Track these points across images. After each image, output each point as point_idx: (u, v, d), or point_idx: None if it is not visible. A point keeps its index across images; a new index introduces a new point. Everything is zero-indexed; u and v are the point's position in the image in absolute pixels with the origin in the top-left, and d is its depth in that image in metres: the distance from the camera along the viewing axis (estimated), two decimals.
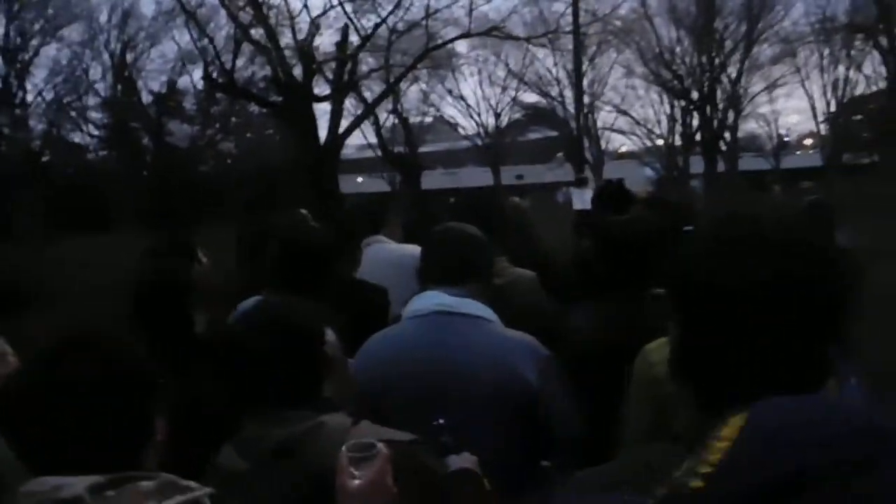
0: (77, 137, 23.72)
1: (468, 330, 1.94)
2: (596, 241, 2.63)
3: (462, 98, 26.34)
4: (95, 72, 23.18)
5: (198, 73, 22.52)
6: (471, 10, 22.15)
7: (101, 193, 20.98)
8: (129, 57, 22.98)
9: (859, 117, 26.74)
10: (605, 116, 26.34)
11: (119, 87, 23.03)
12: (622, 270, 2.39)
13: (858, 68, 25.77)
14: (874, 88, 26.06)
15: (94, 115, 23.44)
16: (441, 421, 1.62)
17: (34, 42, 22.69)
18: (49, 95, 22.87)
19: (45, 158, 22.56)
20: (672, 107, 25.59)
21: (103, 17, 22.75)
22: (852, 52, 25.49)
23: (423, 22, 22.74)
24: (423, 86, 24.59)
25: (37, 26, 22.65)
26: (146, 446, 1.26)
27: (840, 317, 0.87)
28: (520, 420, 1.90)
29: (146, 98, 23.18)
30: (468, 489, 1.57)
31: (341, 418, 1.49)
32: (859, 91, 26.14)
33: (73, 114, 23.14)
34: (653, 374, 1.85)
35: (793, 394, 0.86)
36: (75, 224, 18.37)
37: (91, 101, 23.32)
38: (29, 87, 22.88)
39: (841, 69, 25.88)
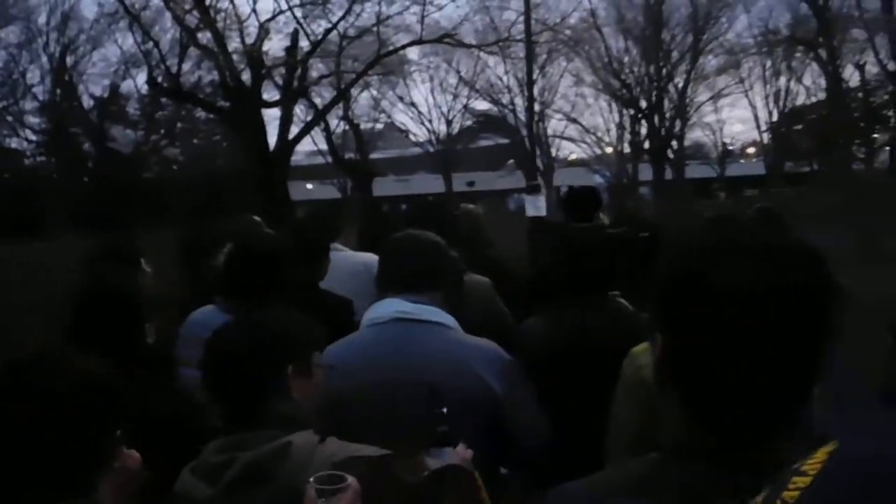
0: (14, 143, 23.02)
1: (428, 337, 1.92)
2: (558, 248, 2.65)
3: (413, 105, 26.45)
4: (33, 75, 22.45)
5: (142, 78, 22.01)
6: (422, 18, 22.16)
7: (38, 199, 20.33)
8: (70, 60, 22.32)
9: (799, 127, 27.66)
10: (555, 124, 26.75)
11: (58, 91, 22.34)
12: (585, 277, 2.39)
13: (799, 80, 26.71)
14: (814, 99, 27.02)
15: (32, 119, 22.70)
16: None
17: None
18: None
19: None
20: (621, 115, 26.11)
21: (42, 19, 22.06)
22: (793, 64, 26.35)
23: (375, 28, 22.67)
24: (375, 92, 24.55)
25: None
26: (100, 473, 1.19)
27: (830, 320, 0.86)
28: (483, 427, 1.88)
29: (87, 102, 22.55)
30: (456, 486, 1.52)
31: (308, 436, 1.42)
32: (800, 101, 27.07)
33: (9, 118, 22.37)
34: (640, 377, 1.84)
35: (783, 397, 0.84)
36: (11, 230, 17.78)
37: (29, 105, 22.57)
38: None
39: (782, 80, 26.77)
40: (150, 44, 21.44)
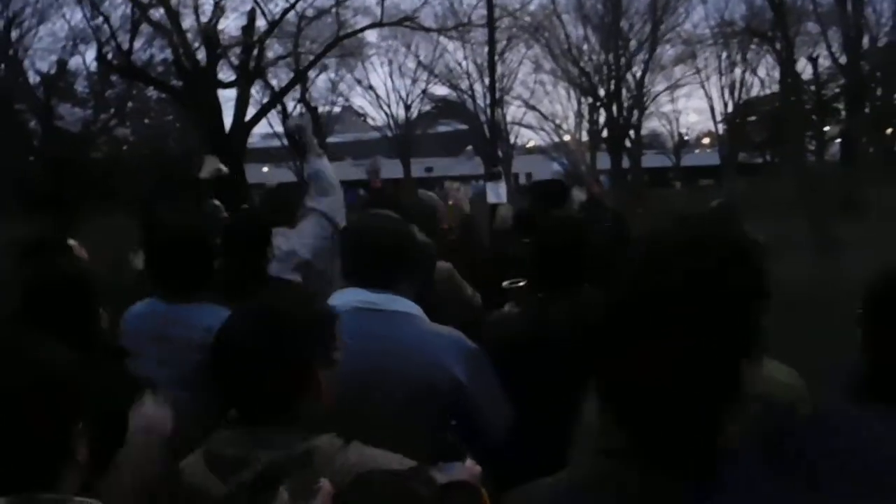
0: None
1: (390, 326, 1.89)
2: (534, 239, 2.64)
3: (372, 88, 26.26)
4: None
5: (91, 54, 21.38)
6: (382, 0, 22.03)
7: None
8: (14, 34, 21.55)
9: (753, 118, 28.22)
10: (514, 111, 26.85)
11: (2, 66, 21.60)
12: (555, 265, 2.40)
13: (754, 71, 27.22)
14: (768, 91, 27.57)
15: None
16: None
17: None
18: None
19: None
20: (579, 103, 26.31)
21: None
22: (748, 56, 26.85)
23: (333, 9, 22.44)
24: (332, 75, 24.32)
25: None
26: (65, 465, 1.17)
27: (758, 307, 0.87)
28: (447, 416, 1.87)
29: (34, 79, 21.85)
30: (464, 502, 1.47)
31: (331, 440, 1.37)
32: (754, 93, 27.60)
33: None
34: None
35: (704, 400, 0.85)
36: None
37: None
38: None
39: (738, 72, 27.24)
40: (101, 19, 20.83)
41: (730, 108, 27.65)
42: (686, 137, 31.21)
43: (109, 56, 21.21)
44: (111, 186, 19.94)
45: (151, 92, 22.68)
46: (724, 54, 26.77)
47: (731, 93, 27.32)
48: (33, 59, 21.98)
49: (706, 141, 32.27)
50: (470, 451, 1.84)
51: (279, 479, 1.27)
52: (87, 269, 2.17)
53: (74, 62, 22.31)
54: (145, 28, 21.55)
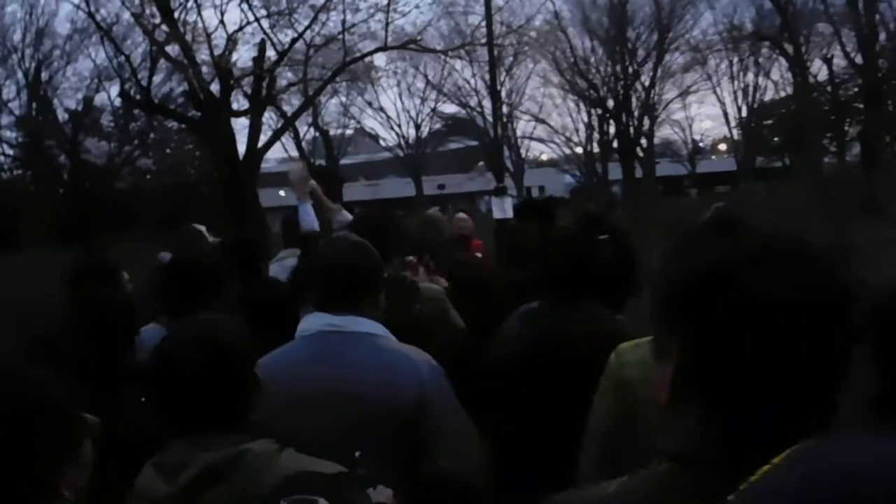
0: None
1: (356, 347, 1.94)
2: (520, 251, 2.88)
3: (382, 110, 27.20)
4: (9, 91, 23.36)
5: (115, 90, 22.90)
6: (387, 24, 22.89)
7: (16, 212, 21.18)
8: (45, 75, 23.22)
9: (769, 122, 28.27)
10: (523, 125, 27.44)
11: (34, 105, 23.28)
12: (553, 279, 2.44)
13: (767, 75, 27.35)
14: (782, 94, 27.64)
15: (9, 134, 23.68)
16: (358, 454, 1.60)
17: None
18: None
19: None
20: (589, 115, 26.80)
21: (17, 36, 23.00)
22: (760, 60, 27.01)
23: (340, 36, 23.37)
24: (343, 98, 25.35)
25: None
26: (60, 473, 1.21)
27: (853, 327, 0.88)
28: (408, 436, 1.89)
29: (62, 116, 23.48)
30: None
31: (267, 444, 1.46)
32: (768, 97, 27.72)
33: None
34: (623, 375, 1.87)
35: (806, 406, 0.84)
36: None
37: (5, 120, 23.53)
38: None
39: (750, 76, 27.42)
40: (122, 57, 22.35)
41: (744, 113, 27.80)
42: (701, 144, 31.36)
43: (131, 91, 22.69)
44: (135, 215, 21.20)
45: (171, 123, 24.09)
46: (735, 59, 27.02)
47: (745, 97, 27.50)
48: (61, 98, 23.63)
49: (722, 147, 32.30)
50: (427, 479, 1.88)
51: (214, 479, 1.39)
52: (129, 300, 2.37)
53: (99, 98, 23.85)
54: (164, 64, 22.90)
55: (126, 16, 21.77)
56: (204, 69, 22.05)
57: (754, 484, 0.71)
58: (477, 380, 2.35)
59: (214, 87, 21.77)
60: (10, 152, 23.95)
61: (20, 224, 21.26)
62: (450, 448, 1.89)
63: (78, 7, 22.02)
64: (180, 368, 1.49)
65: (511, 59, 25.33)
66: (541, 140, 27.73)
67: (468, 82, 26.07)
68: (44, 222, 21.19)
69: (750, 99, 27.44)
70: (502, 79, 25.35)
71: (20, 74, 23.19)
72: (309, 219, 3.56)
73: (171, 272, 2.58)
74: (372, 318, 2.01)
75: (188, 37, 21.67)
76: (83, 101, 23.38)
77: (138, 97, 22.42)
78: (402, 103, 27.26)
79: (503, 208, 14.78)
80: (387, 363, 1.93)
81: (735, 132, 28.53)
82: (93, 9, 21.76)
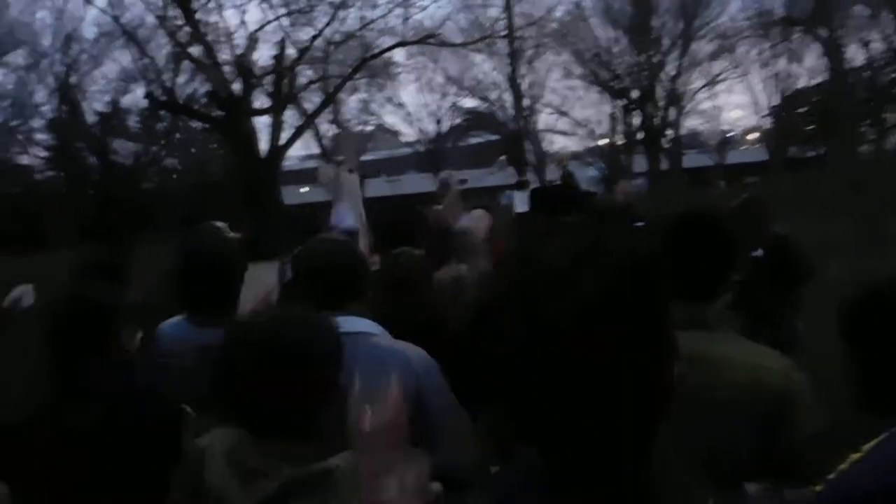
0: (25, 159, 25.00)
1: (353, 347, 1.92)
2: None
3: (402, 105, 27.35)
4: (40, 95, 24.27)
5: (140, 92, 23.59)
6: (405, 19, 23.06)
7: (47, 213, 21.97)
8: (73, 79, 24.02)
9: (803, 110, 27.58)
10: (545, 118, 27.30)
11: (64, 108, 24.08)
12: None
13: (799, 61, 26.68)
14: (816, 81, 26.92)
15: (40, 136, 24.61)
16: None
17: None
18: None
19: None
20: (613, 106, 26.54)
21: (47, 42, 23.83)
22: (792, 46, 26.36)
23: (359, 32, 23.60)
24: (363, 95, 25.57)
25: None
26: None
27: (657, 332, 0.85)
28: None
29: (90, 118, 24.24)
30: None
31: (350, 458, 1.38)
32: (801, 84, 27.03)
33: (19, 137, 24.29)
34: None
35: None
36: (23, 243, 19.27)
37: (37, 123, 24.45)
38: None
39: (781, 63, 26.78)
40: (147, 60, 23.01)
41: (775, 101, 27.20)
42: (730, 134, 30.75)
43: (156, 93, 23.31)
44: (160, 214, 21.77)
45: (195, 123, 24.67)
46: (766, 45, 26.41)
47: (776, 85, 26.89)
48: (90, 101, 24.41)
49: (753, 136, 31.64)
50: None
51: (301, 496, 1.32)
52: (109, 295, 2.28)
53: (126, 100, 24.57)
54: (187, 65, 23.46)
55: (150, 19, 22.38)
56: (226, 69, 22.60)
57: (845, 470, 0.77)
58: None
59: (236, 87, 22.26)
60: (43, 154, 24.86)
61: (51, 224, 22.01)
62: (445, 444, 1.89)
63: (103, 11, 22.71)
64: (251, 372, 1.41)
65: (532, 51, 25.26)
66: (563, 133, 27.62)
67: (488, 76, 26.09)
68: (73, 222, 21.89)
69: (781, 86, 26.84)
70: (523, 71, 25.29)
71: (50, 79, 24.03)
72: (345, 218, 3.61)
73: (181, 268, 2.57)
74: (361, 315, 2.05)
75: (210, 37, 22.21)
76: (110, 103, 24.10)
77: (163, 98, 23.07)
78: (422, 98, 27.40)
79: (524, 202, 14.82)
80: (382, 360, 1.94)
81: (766, 121, 27.94)
82: (117, 12, 22.42)
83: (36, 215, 21.90)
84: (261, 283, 3.42)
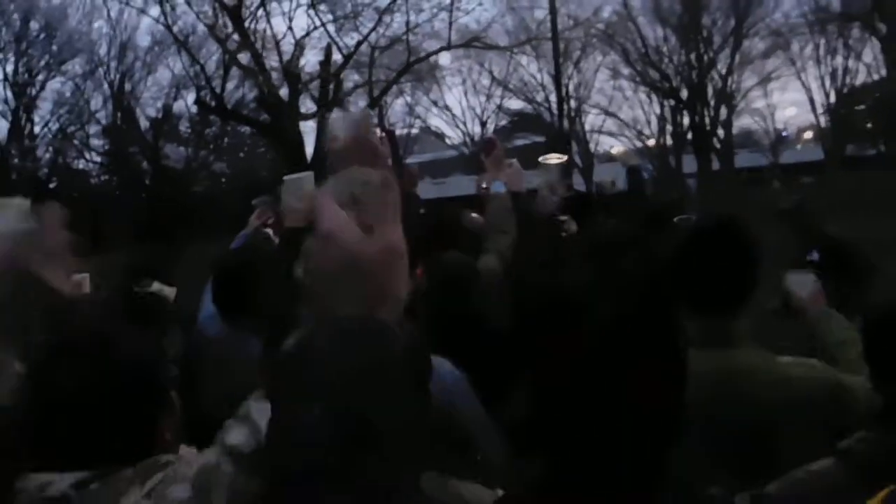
0: (81, 164, 25.93)
1: None
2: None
3: (447, 108, 27.41)
4: (96, 102, 25.14)
5: (191, 98, 24.18)
6: (450, 23, 23.13)
7: (103, 216, 22.69)
8: (128, 86, 24.78)
9: (861, 107, 26.71)
10: (592, 119, 27.04)
11: (118, 114, 24.84)
12: None
13: (858, 57, 25.86)
14: (876, 77, 26.06)
15: (96, 142, 25.47)
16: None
17: (40, 77, 24.74)
18: (54, 126, 24.94)
19: (52, 185, 24.50)
20: (661, 106, 26.15)
21: (103, 50, 24.65)
22: (849, 41, 25.59)
23: (404, 37, 23.77)
24: (408, 98, 25.73)
25: (42, 62, 24.68)
26: (152, 436, 1.32)
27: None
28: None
29: (144, 124, 24.95)
30: None
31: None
32: (860, 80, 26.19)
33: (76, 142, 25.19)
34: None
35: None
36: (82, 246, 19.98)
37: (93, 129, 25.29)
38: (36, 119, 24.95)
39: (839, 59, 26.02)
40: (197, 67, 23.60)
41: (832, 99, 26.39)
42: (784, 133, 29.90)
43: (207, 98, 23.87)
44: (210, 217, 22.26)
45: (244, 128, 25.18)
46: (821, 41, 25.70)
47: (833, 82, 26.11)
48: (143, 107, 25.14)
49: (808, 135, 30.74)
50: None
51: None
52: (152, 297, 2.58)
53: (177, 106, 25.25)
54: (236, 71, 23.98)
55: (200, 27, 22.95)
56: (273, 75, 23.04)
57: None
58: None
59: (283, 92, 22.69)
60: (98, 160, 25.68)
61: (107, 228, 22.73)
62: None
63: (156, 20, 23.36)
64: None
65: (578, 52, 25.07)
66: (610, 134, 27.32)
67: (534, 77, 25.98)
68: (127, 225, 22.53)
69: (839, 83, 26.04)
70: (570, 72, 25.10)
71: (106, 86, 24.82)
72: None
73: (217, 271, 2.71)
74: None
75: (258, 44, 22.69)
76: (162, 109, 24.75)
77: (213, 104, 23.63)
78: (467, 101, 27.45)
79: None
80: None
81: (822, 119, 27.12)
82: (170, 21, 23.04)
83: (92, 218, 22.61)
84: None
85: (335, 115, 1.26)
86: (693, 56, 25.03)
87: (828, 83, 26.22)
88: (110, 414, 1.27)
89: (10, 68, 24.41)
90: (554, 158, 5.33)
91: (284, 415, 0.73)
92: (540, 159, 5.40)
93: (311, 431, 0.67)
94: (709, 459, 1.04)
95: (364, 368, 0.70)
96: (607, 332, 0.81)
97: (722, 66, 25.36)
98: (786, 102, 29.99)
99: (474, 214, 5.07)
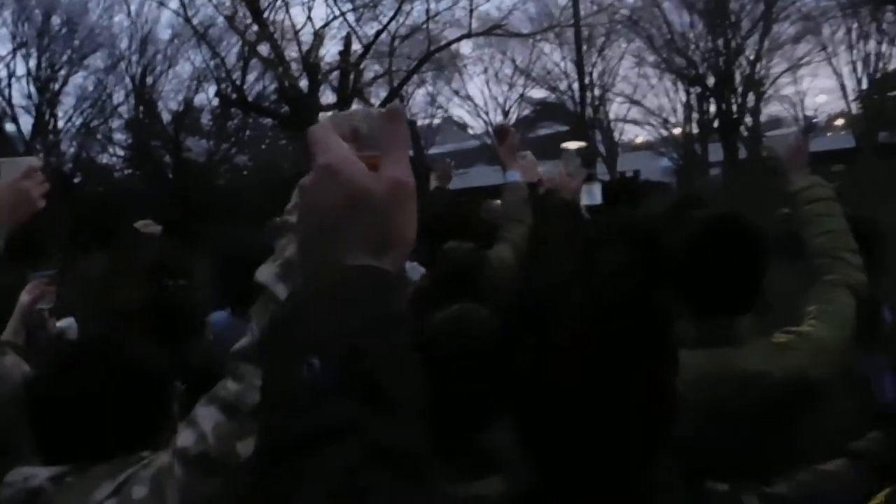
0: (104, 158, 26.10)
1: None
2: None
3: (469, 98, 27.16)
4: (118, 96, 25.32)
5: (212, 91, 24.26)
6: (471, 11, 22.89)
7: (126, 209, 22.83)
8: (149, 80, 24.88)
9: (895, 93, 26.03)
10: (616, 108, 26.63)
11: (140, 108, 24.96)
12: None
13: (891, 41, 25.16)
14: None
15: (119, 136, 25.64)
16: None
17: (63, 72, 24.95)
18: (78, 121, 25.14)
19: (76, 180, 24.69)
20: (687, 94, 25.67)
21: (124, 45, 24.79)
22: (884, 25, 24.89)
23: (424, 25, 23.55)
24: (430, 88, 25.53)
25: (65, 57, 24.87)
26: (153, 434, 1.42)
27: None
28: None
29: (165, 117, 25.05)
30: None
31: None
32: (894, 66, 25.45)
33: (99, 136, 25.36)
34: None
35: None
36: (105, 239, 20.14)
37: (115, 123, 25.45)
38: (59, 114, 25.19)
39: (872, 43, 25.32)
40: (218, 59, 23.65)
41: (864, 85, 25.73)
42: (814, 120, 29.23)
43: (227, 91, 23.89)
44: (233, 210, 22.30)
45: (265, 120, 25.17)
46: (854, 26, 25.02)
47: (865, 67, 25.44)
48: (164, 100, 25.24)
49: (839, 122, 30.02)
50: None
51: None
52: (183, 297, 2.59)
53: (199, 99, 25.29)
54: (256, 63, 23.95)
55: (220, 20, 22.95)
56: (293, 66, 23.01)
57: None
58: None
59: (303, 83, 22.65)
60: (121, 153, 25.84)
61: (129, 221, 22.81)
62: None
63: (176, 13, 23.39)
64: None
65: (602, 39, 24.69)
66: (635, 122, 26.89)
67: (558, 65, 25.64)
68: (150, 219, 22.58)
69: (871, 69, 25.36)
70: (593, 60, 24.72)
71: (127, 80, 24.94)
72: None
73: (221, 264, 2.81)
74: None
75: (277, 35, 22.66)
76: (184, 103, 24.81)
77: (234, 96, 23.67)
78: (490, 90, 27.19)
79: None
80: None
81: (854, 106, 26.46)
82: (189, 13, 23.06)
83: (116, 212, 22.75)
84: None
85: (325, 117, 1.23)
86: (720, 42, 24.53)
87: (860, 69, 25.61)
88: (111, 416, 1.37)
89: (32, 64, 24.65)
90: (574, 144, 5.24)
91: (277, 374, 0.67)
92: (562, 146, 5.36)
93: (308, 389, 0.62)
94: (715, 458, 1.09)
95: (366, 325, 0.65)
96: (593, 330, 0.85)
97: (750, 52, 24.82)
98: (816, 89, 29.25)
99: (498, 201, 5.05)
